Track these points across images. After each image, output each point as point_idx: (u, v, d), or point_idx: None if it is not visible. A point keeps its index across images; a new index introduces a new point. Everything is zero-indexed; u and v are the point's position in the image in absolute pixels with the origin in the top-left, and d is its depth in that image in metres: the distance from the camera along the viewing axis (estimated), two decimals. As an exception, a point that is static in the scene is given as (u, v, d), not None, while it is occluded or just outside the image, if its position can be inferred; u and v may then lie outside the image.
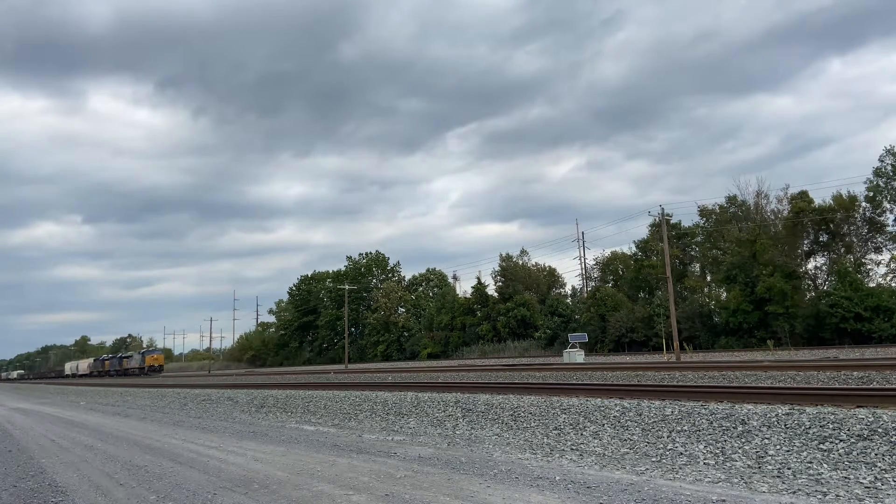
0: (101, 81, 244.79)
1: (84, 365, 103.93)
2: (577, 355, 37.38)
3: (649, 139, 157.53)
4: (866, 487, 5.21)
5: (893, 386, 11.71)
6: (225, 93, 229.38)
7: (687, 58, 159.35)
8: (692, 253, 62.07)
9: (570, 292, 74.00)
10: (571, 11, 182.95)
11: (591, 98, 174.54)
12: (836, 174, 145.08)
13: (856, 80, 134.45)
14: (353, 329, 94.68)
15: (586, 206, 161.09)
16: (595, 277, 70.99)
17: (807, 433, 6.94)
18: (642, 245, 64.22)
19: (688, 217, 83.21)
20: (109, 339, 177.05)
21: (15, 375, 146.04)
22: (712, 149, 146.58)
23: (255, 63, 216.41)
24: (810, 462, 6.09)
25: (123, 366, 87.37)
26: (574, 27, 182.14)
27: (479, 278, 75.67)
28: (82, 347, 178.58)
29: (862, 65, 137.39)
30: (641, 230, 63.98)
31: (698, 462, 6.50)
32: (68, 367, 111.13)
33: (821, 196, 53.73)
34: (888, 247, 50.13)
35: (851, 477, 5.54)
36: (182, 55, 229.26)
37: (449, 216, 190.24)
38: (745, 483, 5.48)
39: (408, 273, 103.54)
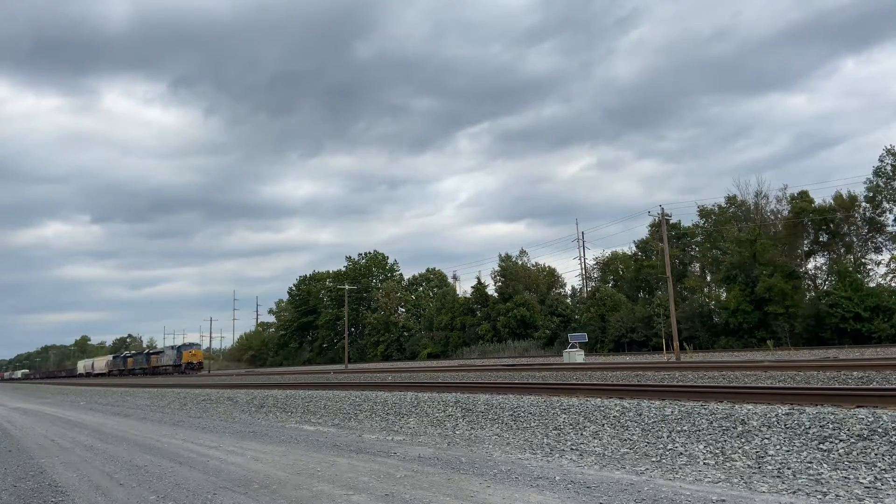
0: (114, 80, 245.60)
1: (101, 363, 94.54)
2: (576, 355, 37.37)
3: (661, 138, 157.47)
4: (866, 487, 5.21)
5: (893, 386, 11.71)
6: (237, 92, 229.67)
7: (702, 56, 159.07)
8: (692, 253, 62.10)
9: (569, 292, 74.10)
10: (586, 10, 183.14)
11: (603, 97, 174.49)
12: (845, 174, 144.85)
13: (869, 78, 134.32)
14: (352, 329, 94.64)
15: (594, 205, 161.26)
16: (595, 277, 71.02)
17: (807, 433, 6.94)
18: (642, 245, 64.25)
19: (689, 217, 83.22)
20: (109, 339, 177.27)
21: (19, 375, 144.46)
22: (723, 148, 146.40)
23: (268, 62, 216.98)
24: (810, 462, 6.09)
25: (152, 363, 75.88)
26: (588, 26, 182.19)
27: (479, 278, 75.79)
28: (82, 347, 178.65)
29: (875, 63, 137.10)
30: (644, 230, 63.96)
31: (698, 462, 6.50)
32: (81, 366, 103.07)
33: (822, 196, 53.80)
34: (888, 247, 50.20)
35: (851, 477, 5.54)
36: (197, 54, 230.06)
37: (456, 216, 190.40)
38: (745, 483, 5.48)
39: (410, 273, 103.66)
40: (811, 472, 5.78)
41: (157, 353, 79.37)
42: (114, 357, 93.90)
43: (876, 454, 6.07)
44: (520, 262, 74.96)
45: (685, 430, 7.79)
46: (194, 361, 69.77)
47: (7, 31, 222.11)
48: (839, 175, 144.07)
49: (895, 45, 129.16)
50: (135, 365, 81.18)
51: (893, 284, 47.78)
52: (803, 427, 7.14)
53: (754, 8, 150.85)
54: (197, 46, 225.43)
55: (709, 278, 59.75)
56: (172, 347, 77.33)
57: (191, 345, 75.92)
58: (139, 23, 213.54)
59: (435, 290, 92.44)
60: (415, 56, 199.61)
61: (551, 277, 74.90)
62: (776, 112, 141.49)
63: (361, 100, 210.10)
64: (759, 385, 13.17)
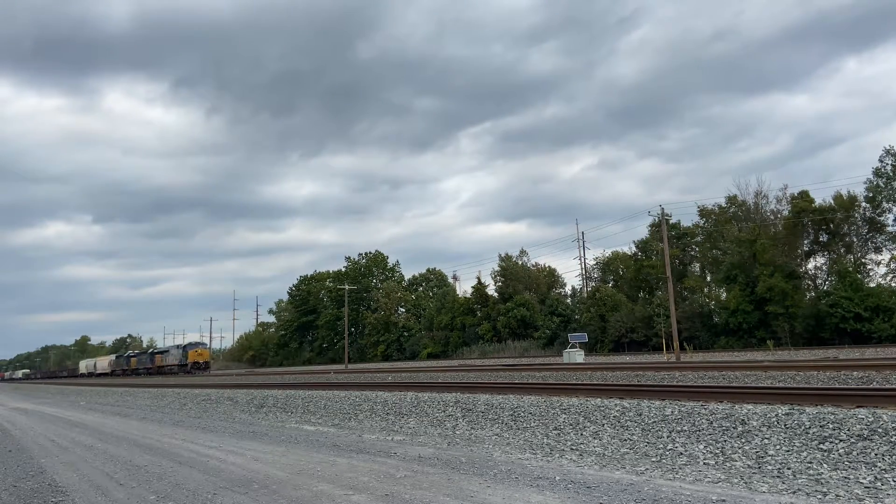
0: (116, 80, 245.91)
1: (104, 363, 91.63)
2: (577, 355, 37.37)
3: (662, 138, 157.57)
4: (866, 487, 5.21)
5: (893, 386, 11.71)
6: (239, 92, 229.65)
7: (703, 56, 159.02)
8: (692, 253, 62.09)
9: (569, 292, 74.12)
10: (589, 10, 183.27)
11: (605, 97, 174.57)
12: (847, 173, 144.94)
13: (871, 78, 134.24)
14: (353, 329, 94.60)
15: (595, 205, 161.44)
16: (595, 277, 71.03)
17: (807, 433, 6.94)
18: (642, 245, 64.25)
19: (690, 217, 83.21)
20: (109, 339, 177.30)
21: (20, 375, 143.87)
22: (725, 148, 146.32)
23: (270, 62, 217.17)
24: (810, 462, 6.09)
25: (157, 363, 73.03)
26: (590, 26, 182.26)
27: (479, 278, 75.82)
28: (82, 347, 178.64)
29: (877, 63, 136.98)
30: (645, 230, 64.01)
31: (698, 462, 6.50)
32: (84, 366, 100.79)
33: (822, 196, 53.81)
34: (888, 247, 50.19)
35: (851, 477, 5.54)
36: (199, 54, 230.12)
37: (457, 216, 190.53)
38: (745, 483, 5.48)
39: (411, 273, 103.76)
40: (811, 472, 5.78)
41: (162, 352, 76.43)
42: (117, 357, 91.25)
43: (876, 454, 6.07)
44: (520, 262, 74.99)
45: (685, 430, 7.79)
46: (200, 361, 66.97)
47: (9, 31, 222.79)
48: (840, 175, 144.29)
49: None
50: (138, 365, 78.81)
51: (893, 284, 47.78)
52: (803, 427, 7.14)
53: (756, 7, 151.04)
54: (199, 46, 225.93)
55: (709, 278, 59.75)
56: (178, 347, 74.08)
57: (197, 344, 72.54)
58: (141, 22, 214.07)
59: (435, 290, 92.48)
60: (416, 56, 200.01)
61: (551, 277, 74.92)
62: (778, 112, 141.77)
63: (363, 100, 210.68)
64: (759, 385, 13.17)
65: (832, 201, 51.33)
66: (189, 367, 65.79)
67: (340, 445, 8.62)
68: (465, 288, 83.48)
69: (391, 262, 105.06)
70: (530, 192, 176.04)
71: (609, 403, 9.94)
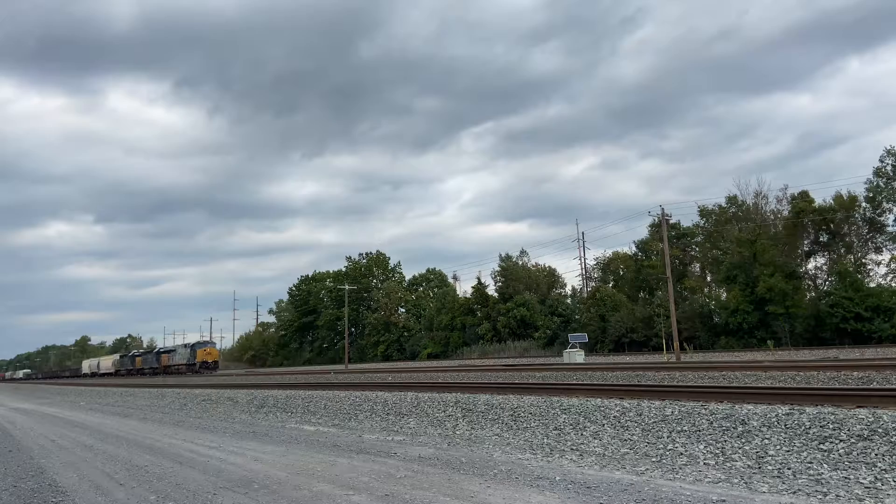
0: (119, 80, 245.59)
1: (107, 363, 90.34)
2: (577, 355, 37.38)
3: (664, 138, 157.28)
4: (866, 487, 5.21)
5: (893, 386, 11.71)
6: (241, 92, 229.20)
7: (706, 56, 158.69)
8: (692, 253, 62.09)
9: (570, 292, 74.11)
10: (591, 9, 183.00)
11: (607, 97, 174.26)
12: (849, 173, 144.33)
13: (873, 78, 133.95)
14: (353, 329, 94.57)
15: (597, 206, 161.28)
16: (596, 278, 71.03)
17: (807, 433, 6.94)
18: (642, 245, 64.25)
19: (690, 217, 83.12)
20: (109, 340, 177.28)
21: (21, 375, 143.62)
22: (727, 148, 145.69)
23: (273, 62, 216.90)
24: (810, 462, 6.08)
25: (163, 363, 71.32)
26: (593, 25, 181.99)
27: (479, 278, 75.80)
28: (83, 347, 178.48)
29: (880, 63, 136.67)
30: (645, 230, 63.95)
31: (698, 462, 6.50)
32: (86, 366, 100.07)
33: (823, 196, 53.81)
34: (888, 247, 50.21)
35: (851, 477, 5.54)
36: (201, 54, 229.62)
37: (459, 216, 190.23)
38: (745, 483, 5.48)
39: (412, 273, 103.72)
40: (811, 472, 5.78)
41: (169, 351, 74.68)
42: (121, 356, 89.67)
43: (876, 454, 6.07)
44: (520, 263, 75.00)
45: (685, 431, 7.79)
46: (209, 360, 65.09)
47: (12, 31, 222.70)
48: (843, 175, 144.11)
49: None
50: (144, 364, 76.59)
51: (894, 284, 47.78)
52: (803, 427, 7.14)
53: (759, 7, 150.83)
54: (201, 46, 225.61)
55: (709, 278, 59.76)
56: (185, 345, 72.16)
57: (206, 343, 70.33)
58: (144, 23, 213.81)
59: (435, 290, 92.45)
60: (419, 56, 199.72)
61: (551, 277, 74.89)
62: (780, 112, 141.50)
63: (365, 99, 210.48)
64: (760, 385, 13.17)
65: (832, 201, 51.37)
66: (198, 366, 64.23)
67: (340, 445, 8.62)
68: (465, 288, 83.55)
69: (392, 262, 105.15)
70: (532, 192, 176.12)
71: (609, 403, 9.94)
